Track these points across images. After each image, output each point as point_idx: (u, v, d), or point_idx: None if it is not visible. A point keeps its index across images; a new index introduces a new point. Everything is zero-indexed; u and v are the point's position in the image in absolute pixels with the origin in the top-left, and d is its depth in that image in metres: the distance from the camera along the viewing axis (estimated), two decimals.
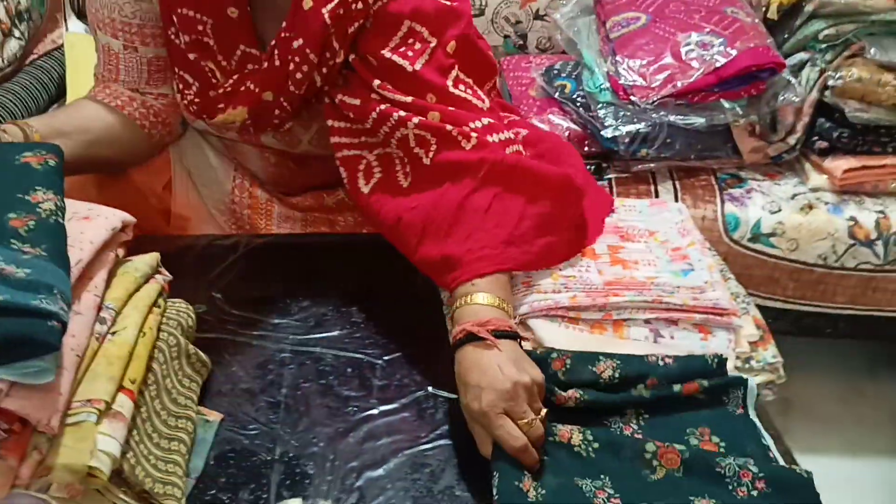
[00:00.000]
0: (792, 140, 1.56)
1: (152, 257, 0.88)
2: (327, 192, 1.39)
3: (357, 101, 1.06)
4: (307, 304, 1.10)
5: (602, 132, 1.52)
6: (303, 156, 1.28)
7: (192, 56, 1.11)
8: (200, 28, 1.08)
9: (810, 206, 1.53)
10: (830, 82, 1.52)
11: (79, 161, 1.08)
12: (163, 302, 0.88)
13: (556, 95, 1.64)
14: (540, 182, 1.00)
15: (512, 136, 1.06)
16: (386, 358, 1.00)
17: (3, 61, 1.60)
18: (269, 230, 1.35)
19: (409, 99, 1.03)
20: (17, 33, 1.65)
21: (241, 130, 1.18)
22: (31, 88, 1.61)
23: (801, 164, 1.62)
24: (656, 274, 1.04)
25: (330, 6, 1.01)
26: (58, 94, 1.70)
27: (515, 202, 0.99)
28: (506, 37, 1.99)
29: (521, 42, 2.00)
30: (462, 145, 1.01)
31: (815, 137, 1.57)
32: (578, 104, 1.62)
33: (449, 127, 1.01)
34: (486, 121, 1.04)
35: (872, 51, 1.49)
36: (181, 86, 1.15)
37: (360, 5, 1.02)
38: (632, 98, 1.51)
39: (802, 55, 1.60)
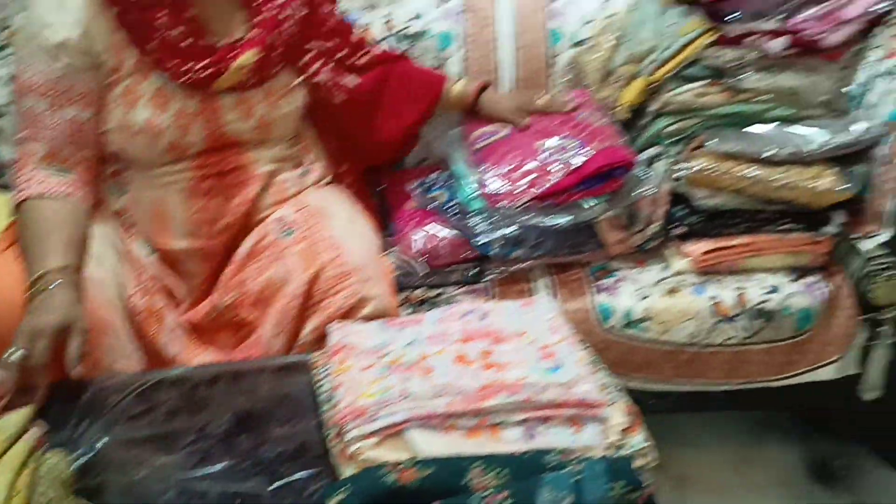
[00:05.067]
0: (652, 229, 1.66)
1: (23, 415, 0.89)
2: (215, 300, 1.45)
3: None
4: (193, 438, 1.10)
5: (475, 239, 1.60)
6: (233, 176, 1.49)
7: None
8: None
9: (675, 290, 1.62)
10: (679, 174, 1.63)
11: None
12: (34, 460, 0.88)
13: (429, 207, 1.70)
14: None
15: None
16: (270, 489, 1.01)
17: None
18: (158, 337, 1.39)
19: None
20: None
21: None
22: None
23: (663, 251, 1.71)
24: (526, 374, 1.09)
25: None
26: None
27: None
28: None
29: None
30: None
31: (674, 224, 1.67)
32: (454, 213, 1.68)
33: None
34: None
35: (713, 142, 1.61)
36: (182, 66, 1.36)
37: None
38: (499, 204, 1.59)
39: (655, 149, 1.72)
